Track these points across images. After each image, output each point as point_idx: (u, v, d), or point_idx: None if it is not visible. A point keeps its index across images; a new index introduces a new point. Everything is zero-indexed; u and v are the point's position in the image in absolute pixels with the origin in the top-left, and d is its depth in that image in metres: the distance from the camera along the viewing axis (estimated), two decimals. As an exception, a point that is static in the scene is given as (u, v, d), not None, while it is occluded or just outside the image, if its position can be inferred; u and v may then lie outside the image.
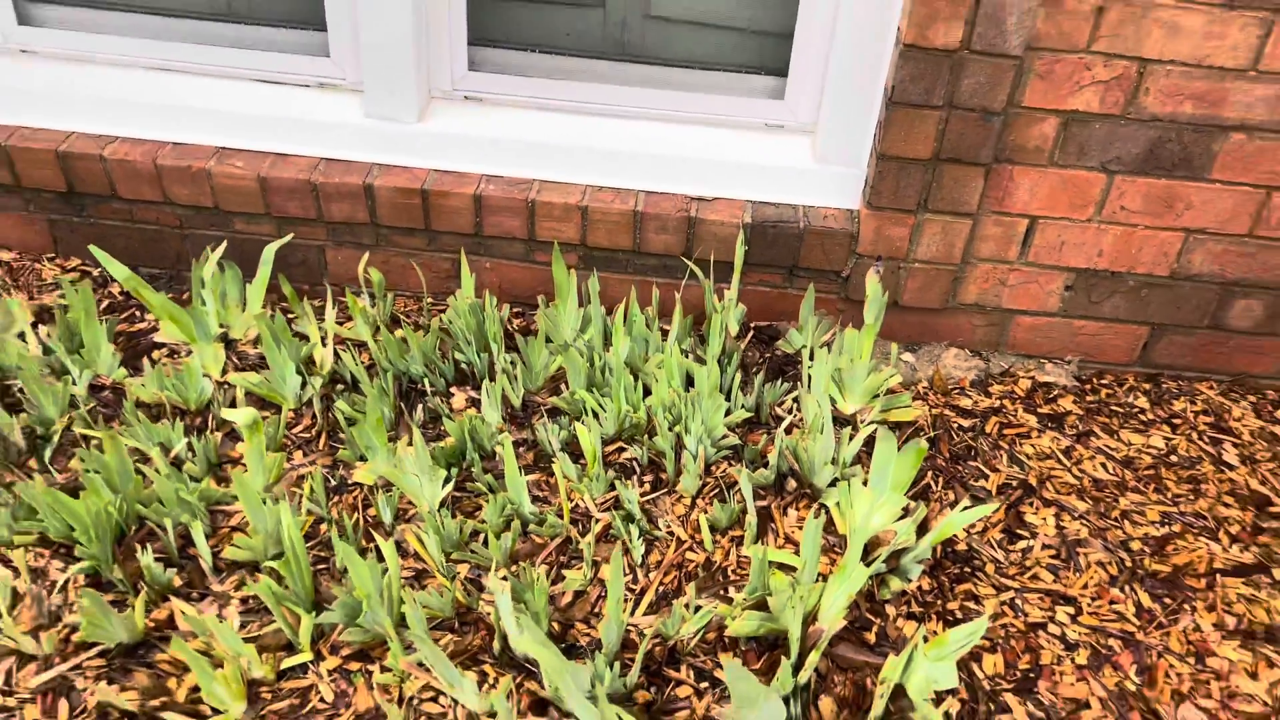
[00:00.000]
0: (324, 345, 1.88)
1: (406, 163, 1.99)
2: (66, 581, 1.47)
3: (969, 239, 1.94)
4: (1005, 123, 1.80)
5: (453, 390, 1.87)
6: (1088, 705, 1.43)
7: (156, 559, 1.49)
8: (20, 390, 1.72)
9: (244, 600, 1.48)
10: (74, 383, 1.73)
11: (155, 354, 1.87)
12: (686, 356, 1.90)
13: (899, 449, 1.52)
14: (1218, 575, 1.65)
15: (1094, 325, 2.04)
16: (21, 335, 1.81)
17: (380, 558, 1.54)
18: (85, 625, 1.35)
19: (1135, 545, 1.68)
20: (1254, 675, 1.49)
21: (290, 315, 1.99)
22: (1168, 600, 1.59)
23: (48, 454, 1.65)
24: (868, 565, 1.41)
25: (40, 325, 1.88)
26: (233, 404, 1.78)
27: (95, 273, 2.09)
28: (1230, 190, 1.85)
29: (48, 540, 1.51)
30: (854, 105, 1.91)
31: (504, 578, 1.49)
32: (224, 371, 1.84)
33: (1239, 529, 1.74)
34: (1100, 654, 1.50)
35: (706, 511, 1.65)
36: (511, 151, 1.98)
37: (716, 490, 1.70)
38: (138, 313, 1.99)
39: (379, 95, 1.96)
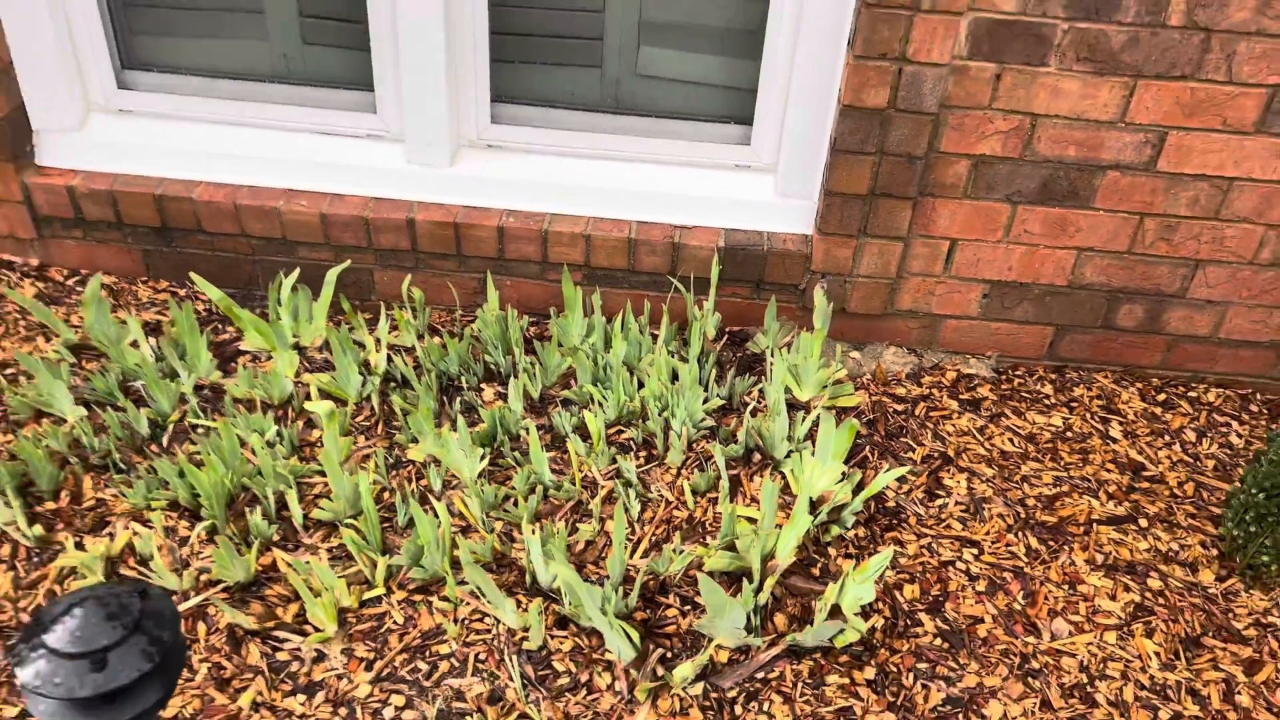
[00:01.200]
0: (378, 351, 2.31)
1: (441, 200, 2.42)
2: (189, 537, 1.90)
3: (902, 257, 2.37)
4: (927, 164, 2.23)
5: (483, 386, 2.30)
6: (983, 620, 1.87)
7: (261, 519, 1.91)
8: (141, 388, 2.15)
9: (329, 550, 1.90)
10: (182, 383, 2.15)
11: (240, 359, 2.30)
12: (672, 356, 2.32)
13: (837, 427, 1.95)
14: (1094, 524, 2.08)
15: (1008, 326, 2.48)
16: (134, 344, 2.24)
17: (435, 516, 1.97)
18: (216, 566, 1.78)
19: (1030, 502, 2.12)
20: (1113, 597, 1.92)
21: (349, 326, 2.42)
22: (1051, 543, 2.03)
23: (165, 440, 2.08)
24: (813, 516, 1.85)
25: (147, 337, 2.31)
26: (307, 399, 2.20)
27: (181, 293, 2.52)
28: (1111, 216, 2.29)
29: (176, 505, 1.93)
30: (807, 150, 2.34)
31: (533, 530, 1.92)
32: (297, 373, 2.27)
33: (1115, 489, 2.17)
34: (995, 583, 1.94)
35: (689, 479, 2.08)
36: (527, 190, 2.41)
37: (697, 462, 2.13)
38: (219, 325, 2.41)
39: (418, 145, 2.39)
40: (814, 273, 2.40)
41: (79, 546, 1.83)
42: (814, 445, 2.10)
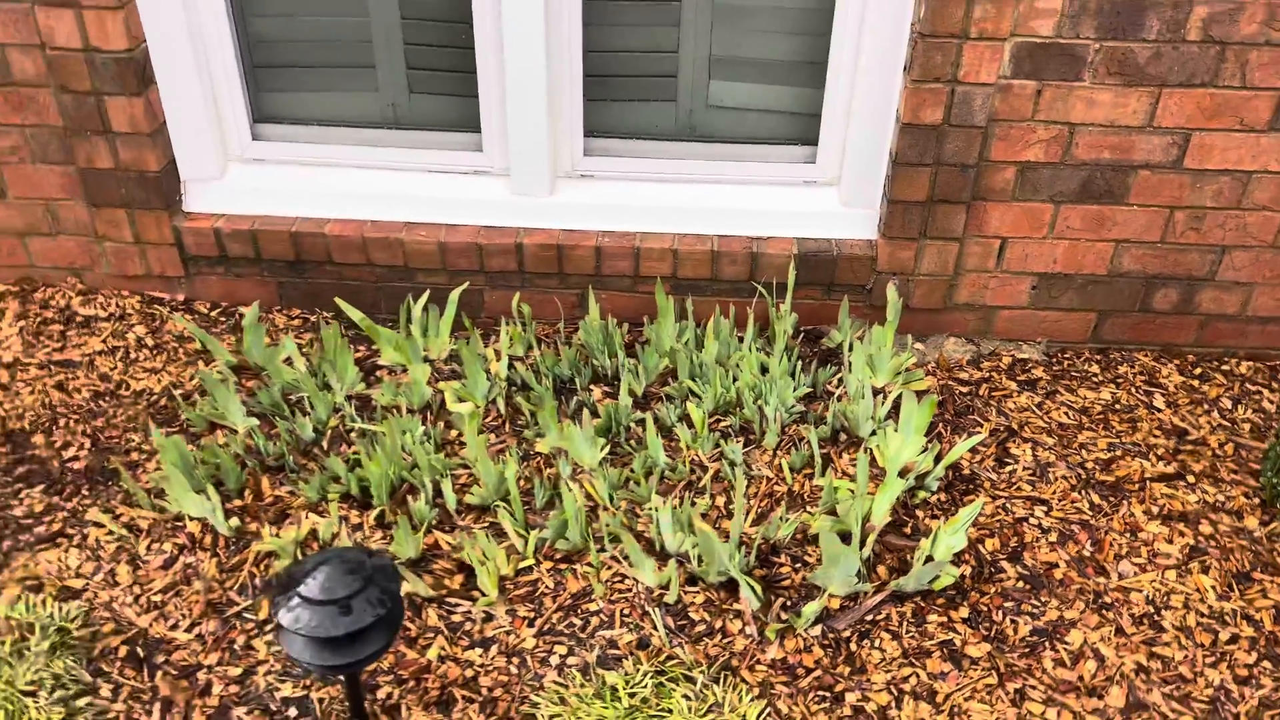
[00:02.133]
0: (498, 360, 2.60)
1: (543, 225, 2.72)
2: (361, 523, 2.18)
3: (958, 256, 2.65)
4: (978, 172, 2.52)
5: (591, 387, 2.59)
6: (1057, 565, 2.13)
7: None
8: (298, 400, 2.45)
9: (481, 529, 2.18)
10: (336, 394, 2.45)
11: (378, 372, 2.59)
12: (758, 352, 2.61)
13: (918, 404, 2.23)
14: (1147, 482, 2.34)
15: (1055, 314, 2.75)
16: (287, 361, 2.53)
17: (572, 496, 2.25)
18: (394, 544, 2.06)
19: (1089, 465, 2.38)
20: (1170, 541, 2.19)
21: (467, 340, 2.71)
22: (1111, 499, 2.29)
23: (324, 443, 2.37)
24: (901, 479, 2.12)
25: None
26: (442, 405, 2.49)
27: (312, 318, 2.82)
28: (1144, 210, 2.57)
29: (347, 496, 2.22)
30: (867, 164, 2.63)
31: (661, 504, 2.19)
32: (429, 382, 2.56)
33: (1164, 451, 2.44)
34: (1065, 535, 2.20)
35: (785, 458, 2.36)
36: (619, 213, 2.71)
37: (791, 443, 2.41)
38: (353, 344, 2.71)
39: (521, 178, 2.70)
40: (880, 273, 2.68)
41: (275, 535, 2.12)
42: (895, 423, 2.37)
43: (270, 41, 2.71)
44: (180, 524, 2.16)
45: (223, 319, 2.79)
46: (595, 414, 2.47)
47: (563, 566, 2.12)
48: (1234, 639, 1.98)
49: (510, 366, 2.59)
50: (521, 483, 2.30)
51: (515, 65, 2.53)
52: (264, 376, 2.53)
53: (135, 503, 2.20)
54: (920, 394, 2.51)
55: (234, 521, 2.14)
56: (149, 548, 2.11)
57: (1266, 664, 1.94)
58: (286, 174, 2.76)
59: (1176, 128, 2.43)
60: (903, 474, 2.26)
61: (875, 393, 2.53)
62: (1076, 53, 2.35)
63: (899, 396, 2.45)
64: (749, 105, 2.74)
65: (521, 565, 2.11)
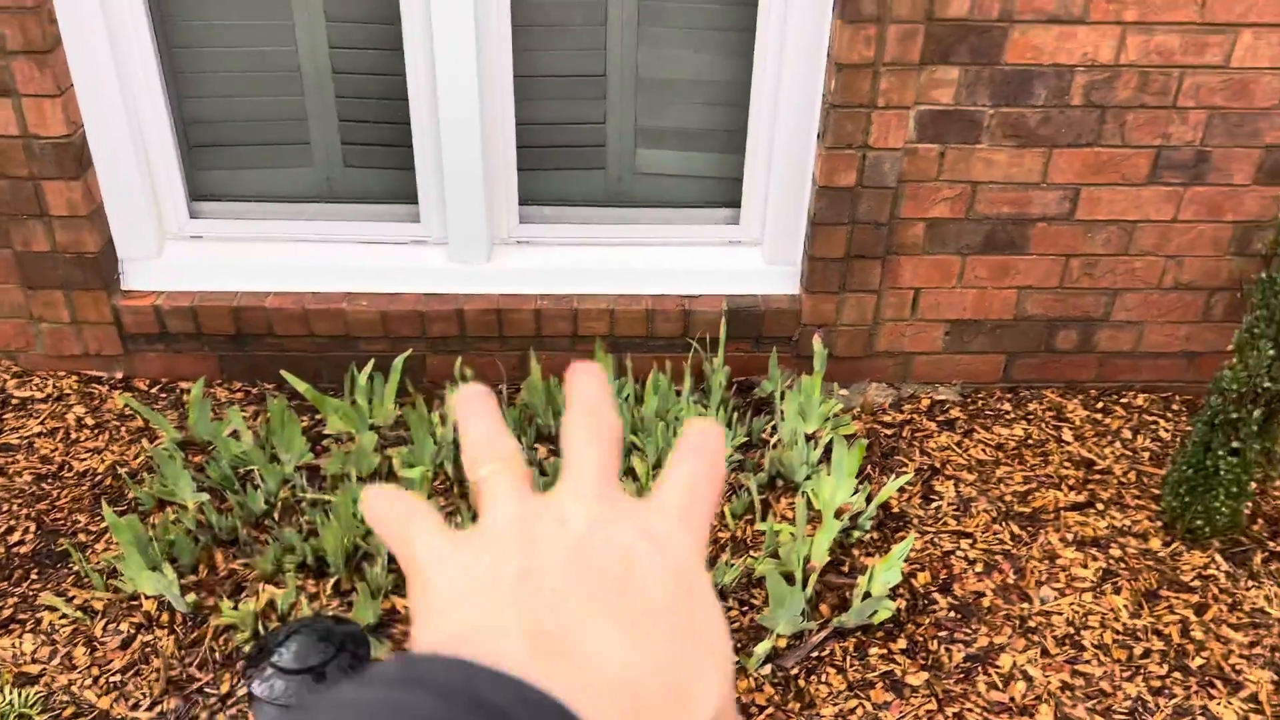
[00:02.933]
0: (443, 425, 2.67)
1: (483, 291, 2.81)
2: (318, 592, 2.22)
3: (876, 307, 2.83)
4: (890, 229, 2.70)
5: (536, 446, 2.68)
6: (984, 594, 2.28)
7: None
8: (247, 473, 2.48)
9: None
10: (285, 465, 2.49)
11: (325, 441, 2.64)
12: (695, 405, 2.73)
13: (848, 449, 2.37)
14: (1061, 511, 2.52)
15: (968, 357, 2.94)
16: (233, 434, 2.57)
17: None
18: (355, 611, 2.11)
19: (1007, 498, 2.55)
20: (1085, 566, 2.36)
21: (412, 405, 2.78)
22: (1030, 529, 2.46)
23: (275, 515, 2.41)
24: (837, 520, 2.25)
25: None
26: (391, 471, 2.55)
27: (254, 390, 2.85)
28: (1043, 259, 2.78)
29: (303, 565, 2.26)
30: (788, 224, 2.80)
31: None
32: (376, 449, 2.62)
33: (1074, 482, 2.62)
34: (990, 565, 2.36)
35: (727, 505, 2.47)
36: (556, 276, 2.82)
37: (731, 491, 2.53)
38: (296, 414, 2.75)
39: (459, 247, 2.79)
40: (805, 326, 2.84)
41: (233, 608, 2.14)
42: (828, 467, 2.51)
43: (206, 122, 2.77)
44: (136, 602, 2.17)
45: (163, 395, 2.81)
46: (543, 472, 2.55)
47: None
48: (1147, 653, 2.14)
49: (456, 429, 2.66)
50: (474, 543, 2.36)
51: (452, 140, 2.64)
52: (211, 451, 2.56)
53: (88, 584, 2.20)
54: (850, 438, 2.66)
55: (191, 597, 2.16)
56: (105, 628, 2.12)
57: (1177, 674, 2.10)
58: (226, 250, 2.81)
59: (1067, 183, 2.66)
60: (838, 515, 2.39)
61: (807, 439, 2.67)
62: (974, 118, 2.55)
63: (830, 441, 2.59)
64: (675, 171, 2.89)
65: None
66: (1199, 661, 2.13)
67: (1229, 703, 2.04)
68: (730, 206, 2.91)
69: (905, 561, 2.33)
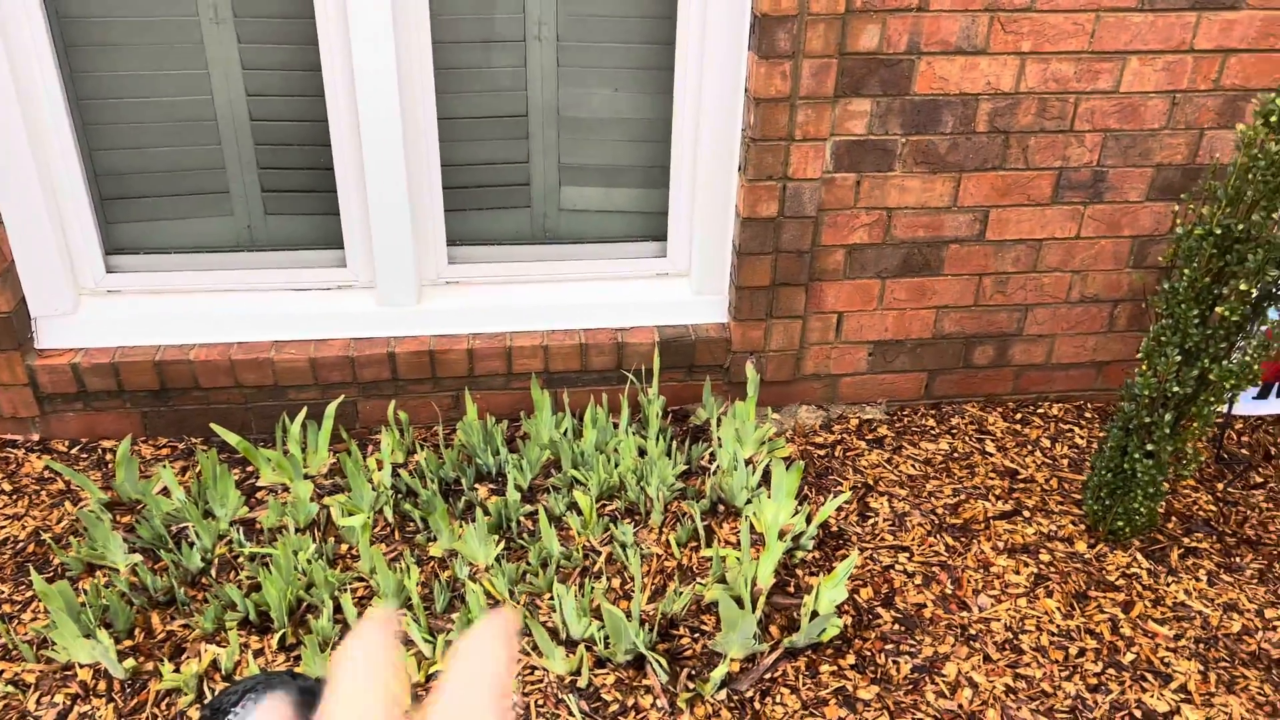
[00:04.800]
0: (379, 470, 2.64)
1: (414, 333, 2.80)
2: (263, 648, 2.17)
3: (802, 332, 2.90)
4: (813, 256, 2.79)
5: (476, 486, 2.67)
6: (925, 606, 2.35)
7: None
8: (181, 530, 2.41)
9: (387, 639, 2.21)
10: (220, 520, 2.43)
11: (259, 494, 2.58)
12: (633, 436, 2.76)
13: (786, 471, 2.42)
14: (990, 521, 2.61)
15: (891, 376, 3.04)
16: (163, 492, 2.50)
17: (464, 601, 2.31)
18: (303, 664, 2.07)
19: (939, 511, 2.63)
20: (1017, 573, 2.45)
21: (347, 452, 2.74)
22: (963, 539, 2.54)
23: (213, 572, 2.35)
24: (781, 541, 2.30)
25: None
26: (329, 520, 2.51)
27: (181, 445, 2.78)
28: (957, 279, 2.89)
29: (245, 622, 2.21)
30: (714, 255, 2.86)
31: (566, 590, 2.29)
32: (312, 498, 2.57)
33: (1000, 491, 2.72)
34: (928, 576, 2.43)
35: (672, 534, 2.50)
36: (488, 315, 2.82)
37: (675, 520, 2.55)
38: (228, 467, 2.69)
39: (388, 290, 2.78)
40: (735, 353, 2.89)
41: (174, 671, 2.08)
42: (768, 490, 2.56)
43: (120, 174, 2.71)
44: (70, 672, 2.09)
45: (84, 455, 2.72)
46: (486, 512, 2.54)
47: (472, 665, 2.17)
48: (1081, 652, 2.23)
49: (394, 474, 2.64)
50: (420, 588, 2.34)
51: (377, 184, 2.63)
52: (140, 510, 2.48)
53: (17, 656, 2.11)
54: (786, 461, 2.71)
55: (128, 662, 2.09)
56: (39, 701, 2.03)
57: (1111, 670, 2.19)
58: (145, 303, 2.74)
59: (977, 206, 2.78)
60: (781, 536, 2.44)
61: (746, 463, 2.71)
62: (887, 147, 2.66)
63: (768, 465, 2.64)
64: (600, 207, 2.93)
65: (432, 670, 2.15)
66: (1130, 657, 2.23)
67: (1161, 695, 2.14)
68: (657, 239, 2.96)
69: (849, 579, 2.38)
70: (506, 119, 2.81)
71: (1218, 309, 2.12)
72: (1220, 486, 2.79)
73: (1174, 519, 2.65)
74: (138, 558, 2.33)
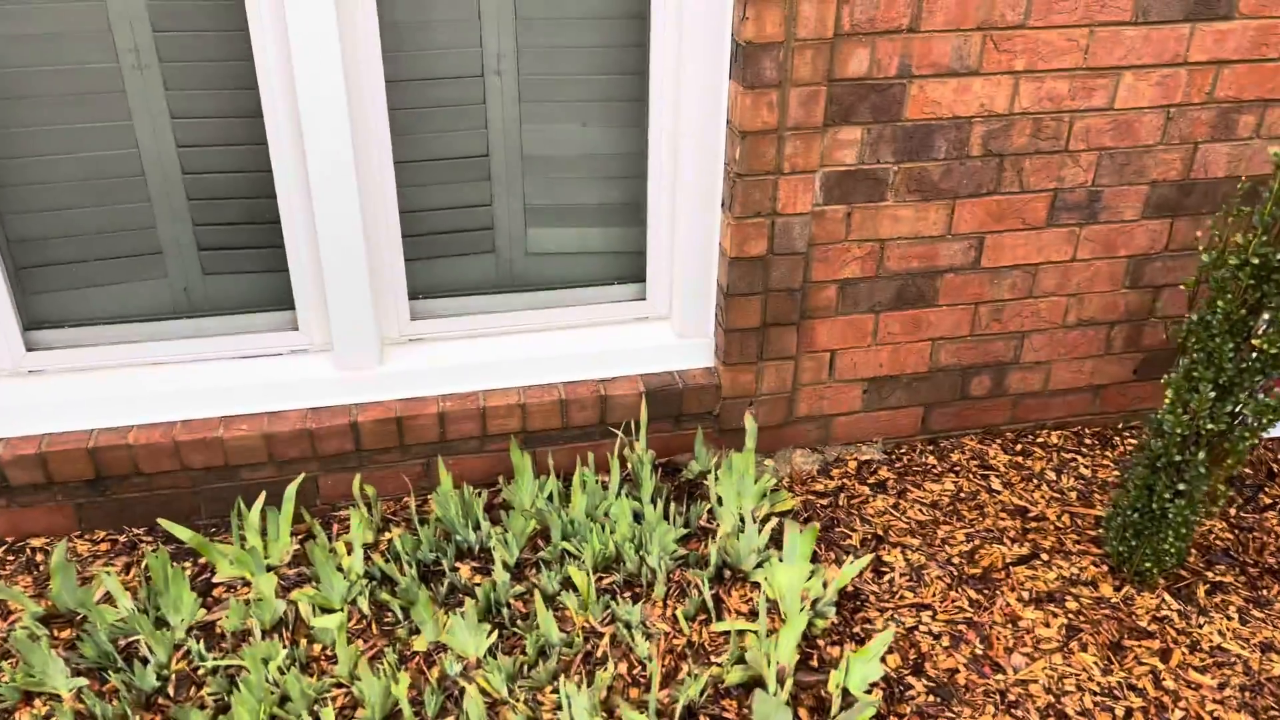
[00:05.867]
0: (349, 554, 2.39)
1: (378, 398, 2.56)
2: (234, 779, 1.91)
3: (794, 373, 2.73)
4: (804, 294, 2.62)
5: (458, 565, 2.43)
6: (958, 670, 2.18)
7: (302, 743, 1.96)
8: (131, 643, 2.13)
9: (376, 755, 1.97)
10: (175, 629, 2.16)
11: (216, 591, 2.32)
12: (626, 498, 2.55)
13: (800, 532, 2.24)
14: (1010, 568, 2.47)
15: (887, 413, 2.88)
16: (105, 599, 2.22)
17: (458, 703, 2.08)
18: (284, 799, 1.82)
19: (956, 560, 2.48)
20: (1047, 625, 2.30)
21: (312, 536, 2.48)
22: (985, 591, 2.39)
23: (170, 689, 2.08)
24: (801, 613, 2.12)
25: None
26: (297, 616, 2.26)
27: (121, 539, 2.49)
28: (953, 309, 2.75)
29: (213, 751, 1.95)
30: (697, 296, 2.67)
31: (574, 686, 2.07)
32: (276, 594, 2.31)
33: (1014, 533, 2.58)
34: (955, 637, 2.27)
35: (679, 607, 2.30)
36: (457, 373, 2.59)
37: (679, 590, 2.35)
38: (177, 562, 2.41)
39: (346, 351, 2.53)
40: (725, 399, 2.71)
41: (133, 818, 1.81)
42: (777, 551, 2.38)
43: (35, 240, 2.42)
44: (11, 830, 1.81)
45: (10, 558, 2.42)
46: (473, 596, 2.31)
47: (475, 779, 1.94)
48: (1129, 713, 2.09)
49: (365, 558, 2.40)
50: (409, 691, 2.10)
51: (330, 235, 2.39)
52: (82, 623, 2.20)
53: (-54, 815, 1.83)
54: (790, 515, 2.54)
55: (80, 812, 1.82)
56: None
57: (1162, 731, 2.06)
58: (74, 383, 2.46)
59: (971, 233, 2.64)
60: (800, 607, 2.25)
61: (749, 521, 2.52)
62: (879, 176, 2.50)
63: (774, 522, 2.46)
64: (571, 250, 2.73)
65: (431, 788, 1.92)
66: (1179, 715, 2.09)
67: (1218, 754, 2.01)
68: (635, 281, 2.76)
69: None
70: (467, 160, 2.59)
71: (1254, 340, 2.00)
72: (1234, 511, 2.69)
73: (1194, 551, 2.53)
74: (83, 681, 2.05)
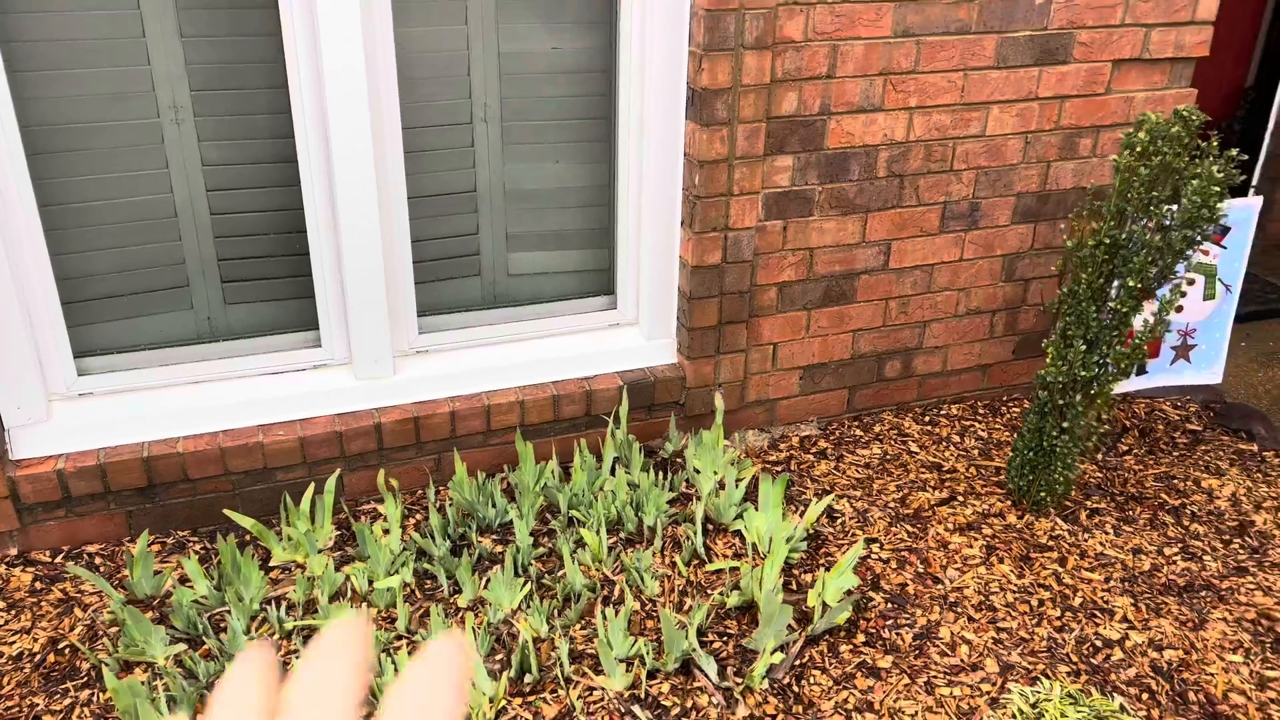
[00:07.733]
0: (385, 535, 2.75)
1: (396, 402, 2.93)
2: None
3: (745, 364, 3.24)
4: (751, 295, 3.13)
5: (480, 539, 2.81)
6: (906, 584, 2.70)
7: (383, 680, 2.30)
8: (211, 618, 2.43)
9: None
10: (252, 601, 2.47)
11: (272, 574, 2.63)
12: (620, 470, 2.98)
13: (773, 483, 2.73)
14: (934, 508, 3.01)
15: (821, 395, 3.42)
16: (185, 580, 2.50)
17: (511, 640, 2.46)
18: None
19: (892, 504, 3.01)
20: (970, 546, 2.85)
21: (349, 522, 2.82)
22: (918, 526, 2.93)
23: (254, 652, 2.39)
24: (784, 544, 2.60)
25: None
26: (354, 589, 2.59)
27: (170, 541, 2.77)
28: (869, 305, 3.32)
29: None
30: (660, 302, 3.16)
31: (603, 619, 2.47)
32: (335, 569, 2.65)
33: (934, 483, 3.14)
34: (901, 560, 2.79)
35: (675, 556, 2.74)
36: (462, 378, 2.99)
37: (673, 543, 2.80)
38: (239, 550, 2.71)
39: (365, 363, 2.90)
40: (689, 389, 3.19)
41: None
42: (753, 505, 2.85)
43: (81, 277, 2.71)
44: (147, 767, 2.09)
45: (67, 563, 2.67)
46: (497, 561, 2.70)
47: (531, 699, 2.33)
48: (1041, 603, 2.64)
49: (404, 538, 2.75)
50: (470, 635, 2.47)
51: (355, 265, 2.77)
52: (161, 605, 2.48)
53: (86, 761, 2.10)
54: (753, 480, 3.02)
55: (207, 747, 2.12)
56: (126, 799, 2.03)
57: (1068, 614, 2.61)
58: (121, 402, 2.74)
59: (881, 240, 3.22)
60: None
61: (726, 484, 3.00)
62: (807, 196, 3.05)
63: (743, 482, 2.94)
64: (548, 269, 3.17)
65: (498, 708, 2.29)
66: (1079, 600, 2.65)
67: (1111, 625, 2.57)
68: (606, 294, 3.23)
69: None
70: (458, 194, 3.01)
71: (1109, 303, 2.61)
72: (1100, 457, 3.32)
73: (1075, 489, 3.14)
74: (180, 647, 2.34)
